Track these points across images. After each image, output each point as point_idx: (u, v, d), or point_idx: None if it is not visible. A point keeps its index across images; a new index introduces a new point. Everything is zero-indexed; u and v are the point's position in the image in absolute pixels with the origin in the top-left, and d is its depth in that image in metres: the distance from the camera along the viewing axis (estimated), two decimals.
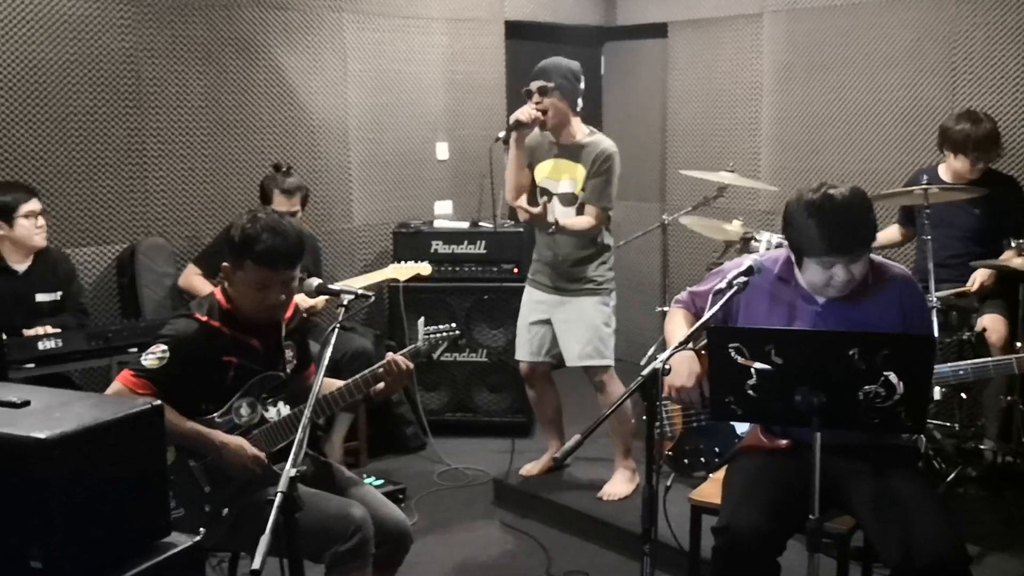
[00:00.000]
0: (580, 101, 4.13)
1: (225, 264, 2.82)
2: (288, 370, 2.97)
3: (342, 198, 5.47)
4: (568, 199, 4.11)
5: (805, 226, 2.59)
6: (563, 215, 4.08)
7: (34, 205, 3.97)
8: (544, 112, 4.04)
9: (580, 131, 4.14)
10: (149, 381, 2.68)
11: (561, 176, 4.13)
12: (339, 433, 4.69)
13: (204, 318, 2.80)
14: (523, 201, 4.07)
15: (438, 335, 3.02)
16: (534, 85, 4.06)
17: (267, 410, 2.87)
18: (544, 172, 4.18)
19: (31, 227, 3.96)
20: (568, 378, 4.58)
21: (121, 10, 4.54)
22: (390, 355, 2.91)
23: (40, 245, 4.03)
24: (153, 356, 2.71)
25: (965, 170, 4.22)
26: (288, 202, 4.57)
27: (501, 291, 5.12)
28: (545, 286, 4.25)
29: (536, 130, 4.14)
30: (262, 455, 2.78)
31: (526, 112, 4.02)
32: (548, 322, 4.26)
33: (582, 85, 4.13)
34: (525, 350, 4.36)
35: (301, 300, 3.95)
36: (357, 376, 2.89)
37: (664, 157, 6.32)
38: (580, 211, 4.09)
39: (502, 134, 4.10)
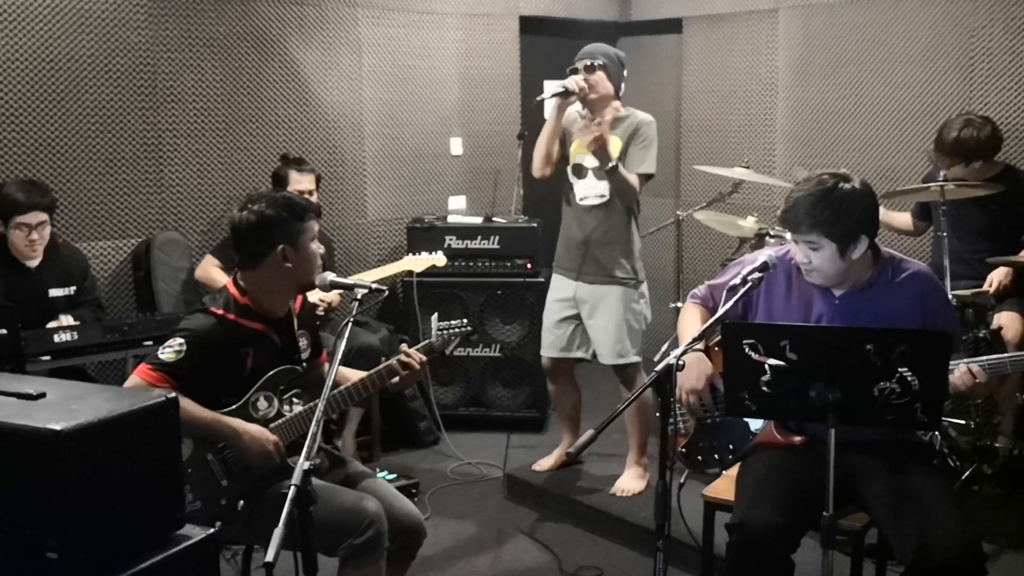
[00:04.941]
0: (623, 87, 4.13)
1: (283, 247, 2.77)
2: (304, 359, 2.98)
3: (356, 193, 5.48)
4: (602, 173, 4.06)
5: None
6: (596, 189, 4.06)
7: (29, 218, 3.82)
8: (591, 86, 4.01)
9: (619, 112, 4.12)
10: (166, 374, 2.68)
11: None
12: (351, 427, 4.70)
13: (220, 312, 2.81)
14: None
15: (450, 331, 3.05)
16: (580, 63, 4.05)
17: (288, 407, 2.87)
18: (578, 148, 4.13)
19: (22, 238, 3.86)
20: (585, 373, 4.57)
21: (137, 5, 4.55)
22: (403, 347, 2.93)
23: (28, 258, 3.92)
24: (170, 350, 2.71)
25: (962, 175, 4.17)
26: (304, 179, 4.64)
27: (515, 286, 5.11)
28: (570, 271, 4.20)
29: (570, 109, 4.12)
30: (280, 442, 2.79)
31: (573, 82, 4.00)
32: (576, 318, 4.23)
33: (626, 72, 4.14)
34: (549, 348, 4.34)
35: (315, 296, 3.98)
36: (372, 372, 2.90)
37: (679, 153, 6.31)
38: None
39: (542, 96, 4.06)
